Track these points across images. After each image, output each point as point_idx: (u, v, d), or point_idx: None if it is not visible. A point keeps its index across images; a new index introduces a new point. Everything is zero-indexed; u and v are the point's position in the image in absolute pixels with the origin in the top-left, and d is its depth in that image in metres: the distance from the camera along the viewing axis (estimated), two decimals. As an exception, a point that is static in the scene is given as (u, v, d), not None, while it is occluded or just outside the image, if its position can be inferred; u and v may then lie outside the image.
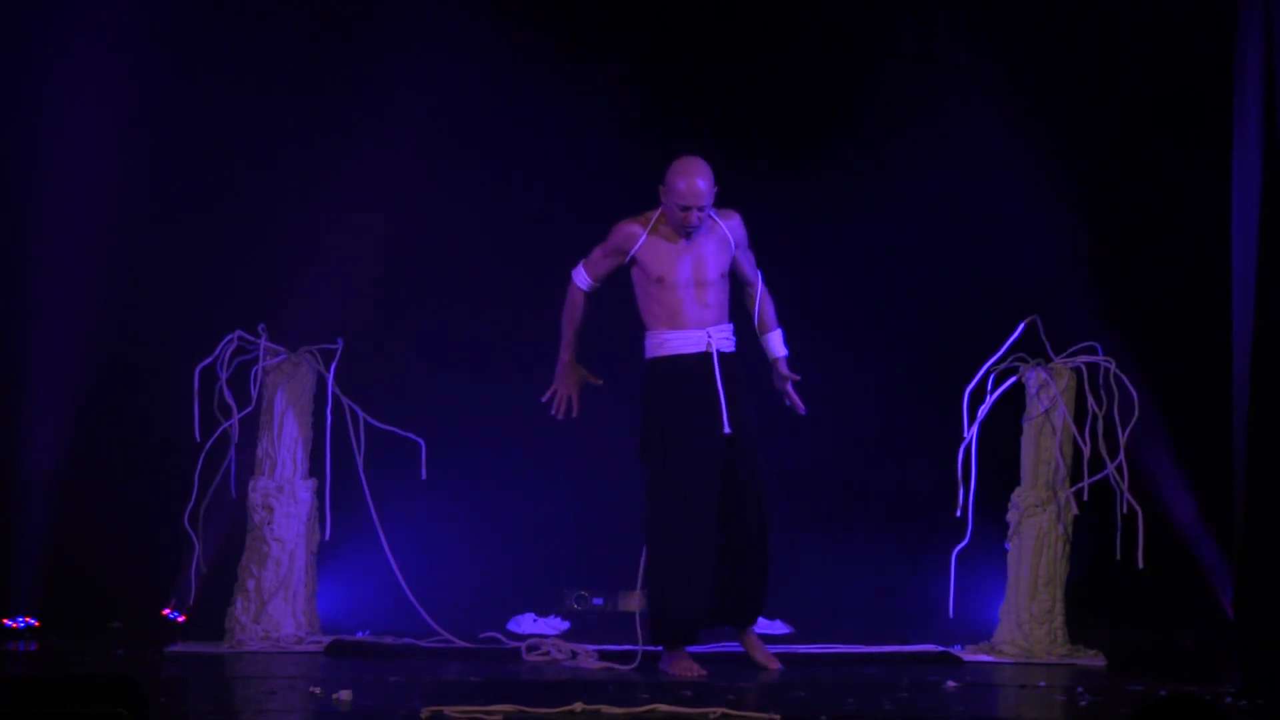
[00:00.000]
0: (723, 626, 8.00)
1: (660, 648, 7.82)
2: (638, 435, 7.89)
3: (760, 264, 8.02)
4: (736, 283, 7.98)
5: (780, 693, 7.20)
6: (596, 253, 7.91)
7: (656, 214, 7.80)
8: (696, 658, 7.82)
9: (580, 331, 8.05)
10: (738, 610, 7.92)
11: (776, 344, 8.07)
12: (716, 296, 7.83)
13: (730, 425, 7.73)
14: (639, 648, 7.94)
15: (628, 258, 7.82)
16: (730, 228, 7.84)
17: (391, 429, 8.64)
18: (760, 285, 8.02)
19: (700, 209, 7.69)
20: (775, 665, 7.90)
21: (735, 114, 9.69)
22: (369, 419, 8.60)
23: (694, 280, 7.77)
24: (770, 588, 7.95)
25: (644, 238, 7.75)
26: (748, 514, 7.82)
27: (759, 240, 8.98)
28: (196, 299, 9.35)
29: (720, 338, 7.81)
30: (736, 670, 7.87)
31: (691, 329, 7.77)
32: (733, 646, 8.14)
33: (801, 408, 8.04)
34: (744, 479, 7.81)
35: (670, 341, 7.80)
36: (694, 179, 7.68)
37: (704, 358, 7.76)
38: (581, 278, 7.96)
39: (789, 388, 8.01)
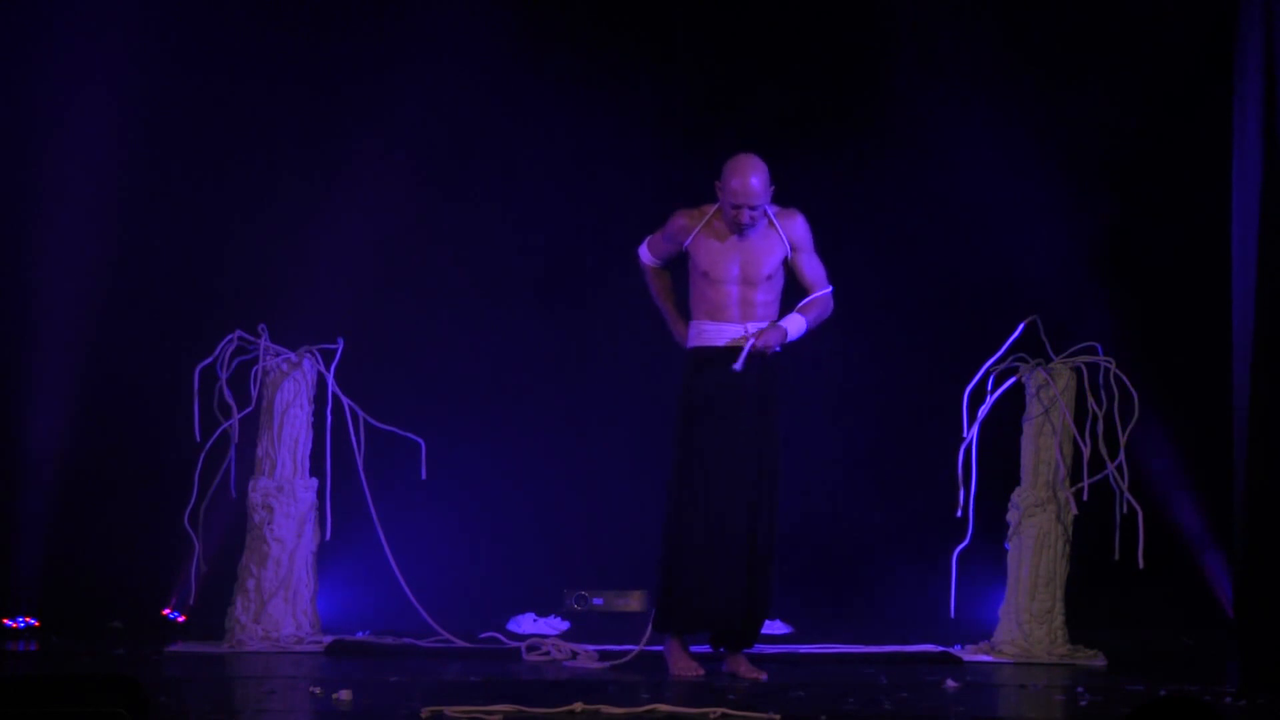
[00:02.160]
0: (717, 649, 7.90)
1: (662, 646, 7.82)
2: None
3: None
4: (793, 283, 7.82)
5: (780, 693, 7.20)
6: (656, 235, 7.88)
7: (713, 209, 7.74)
8: (695, 657, 7.81)
9: (674, 298, 7.95)
10: (732, 637, 7.82)
11: (792, 319, 7.74)
12: (765, 296, 7.72)
13: (758, 425, 7.66)
14: (635, 647, 7.94)
15: (682, 248, 7.78)
16: (788, 228, 7.74)
17: (391, 429, 8.64)
18: (821, 293, 7.82)
19: (752, 208, 7.61)
20: (758, 676, 7.76)
21: (738, 115, 9.68)
22: (369, 419, 8.60)
23: (742, 278, 7.69)
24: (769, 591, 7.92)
25: (695, 232, 7.71)
26: (756, 541, 7.69)
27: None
28: (197, 299, 9.35)
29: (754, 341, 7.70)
30: (736, 670, 7.87)
31: (731, 323, 7.69)
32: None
33: (740, 358, 7.65)
34: (758, 504, 7.69)
35: (707, 332, 7.72)
36: (747, 177, 7.61)
37: (735, 353, 7.65)
38: (645, 254, 7.92)
39: (755, 342, 7.64)
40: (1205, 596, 9.42)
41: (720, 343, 7.70)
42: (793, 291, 7.84)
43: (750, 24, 9.73)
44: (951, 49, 9.58)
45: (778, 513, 7.78)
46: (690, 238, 7.72)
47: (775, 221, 7.74)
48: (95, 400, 9.35)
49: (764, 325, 7.70)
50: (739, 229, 7.66)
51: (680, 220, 7.77)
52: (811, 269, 7.84)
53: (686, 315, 7.85)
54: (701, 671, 7.65)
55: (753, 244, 7.70)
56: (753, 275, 7.69)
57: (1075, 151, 9.59)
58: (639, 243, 7.94)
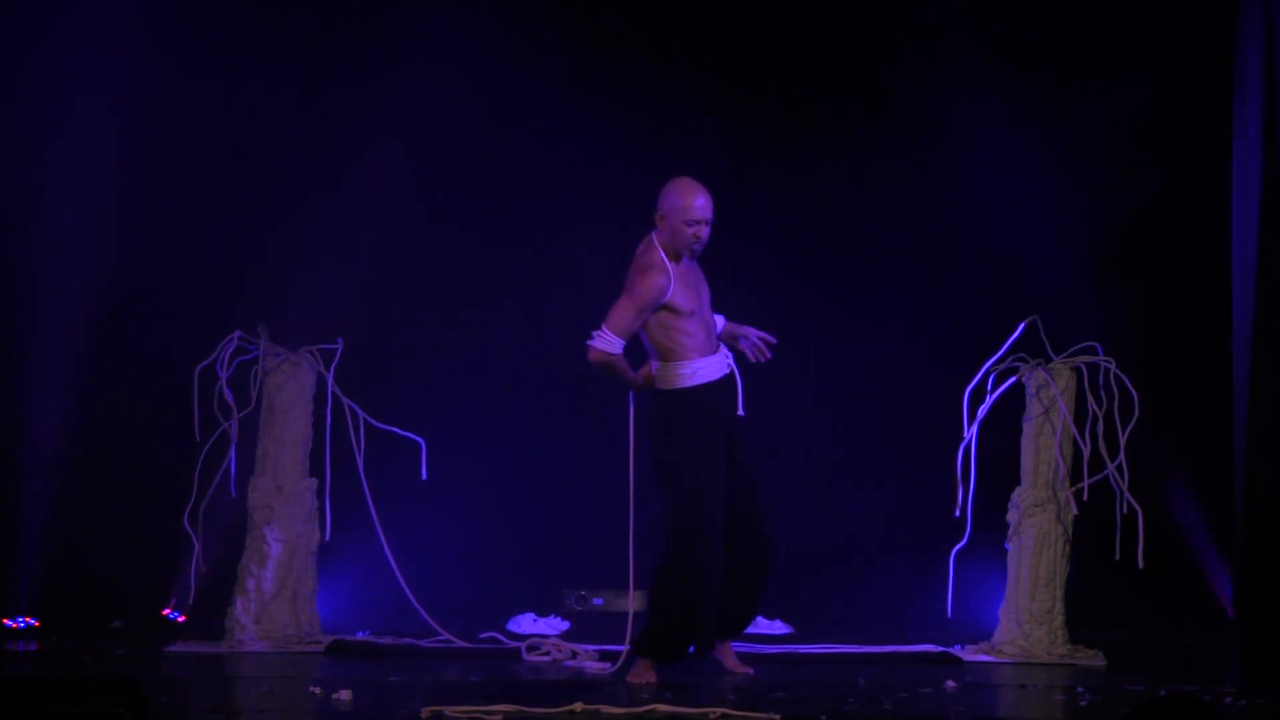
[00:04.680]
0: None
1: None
2: (658, 462, 7.62)
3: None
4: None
5: (780, 692, 7.20)
6: (627, 313, 7.49)
7: (658, 249, 7.57)
8: (691, 657, 7.80)
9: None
10: (726, 626, 7.82)
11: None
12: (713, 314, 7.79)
13: (736, 440, 7.65)
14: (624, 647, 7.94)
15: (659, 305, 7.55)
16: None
17: (391, 429, 8.64)
18: None
19: (709, 222, 7.54)
20: (744, 670, 7.79)
21: (738, 115, 9.68)
22: (369, 419, 8.60)
23: (709, 302, 7.68)
24: (770, 587, 7.93)
25: (673, 283, 7.52)
26: (760, 534, 7.69)
27: (761, 241, 9.00)
28: (196, 299, 9.35)
29: (732, 358, 7.72)
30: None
31: (717, 355, 7.63)
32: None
33: (770, 340, 7.82)
34: (758, 498, 7.68)
35: (702, 370, 7.59)
36: (701, 194, 7.52)
37: (729, 379, 7.65)
38: (615, 343, 7.51)
39: (753, 336, 7.81)
40: (1205, 596, 9.43)
41: (716, 377, 7.63)
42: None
43: (750, 24, 9.73)
44: (951, 50, 9.58)
45: (775, 517, 7.77)
46: (670, 291, 7.52)
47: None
48: (95, 400, 9.35)
49: (727, 351, 7.69)
50: (699, 248, 7.56)
51: (658, 280, 7.48)
52: None
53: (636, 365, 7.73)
54: (654, 679, 7.56)
55: (697, 268, 7.67)
56: (709, 296, 7.69)
57: (1075, 152, 9.59)
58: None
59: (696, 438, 7.56)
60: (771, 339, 7.86)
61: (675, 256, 7.57)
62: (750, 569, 7.71)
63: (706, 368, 7.61)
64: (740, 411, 7.67)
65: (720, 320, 7.85)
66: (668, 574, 7.55)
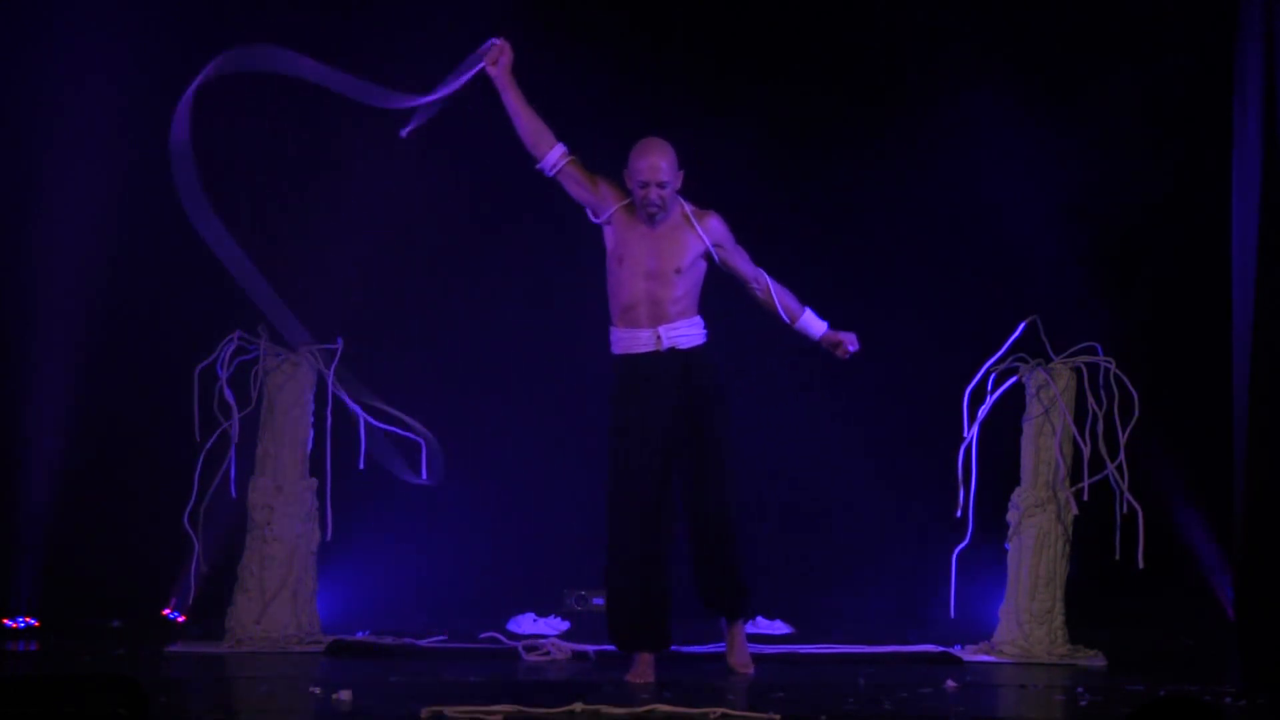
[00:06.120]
0: (717, 618, 7.91)
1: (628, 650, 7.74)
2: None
3: (760, 265, 7.95)
4: (715, 282, 7.78)
5: (780, 692, 7.20)
6: (584, 171, 7.71)
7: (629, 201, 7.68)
8: (691, 657, 7.80)
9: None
10: (721, 607, 7.82)
11: (814, 323, 7.93)
12: (676, 291, 7.60)
13: (692, 420, 7.59)
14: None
15: (597, 214, 7.67)
16: (707, 228, 7.65)
17: (392, 429, 8.63)
18: (766, 277, 7.83)
19: (660, 185, 7.51)
20: (746, 670, 7.81)
21: (738, 115, 9.68)
22: (369, 419, 8.60)
23: (653, 270, 7.58)
24: (771, 587, 7.93)
25: (614, 206, 7.60)
26: (712, 514, 7.63)
27: (762, 240, 8.93)
28: (197, 299, 9.35)
29: (676, 335, 7.62)
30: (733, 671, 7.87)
31: (642, 327, 7.60)
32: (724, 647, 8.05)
33: (854, 345, 7.98)
34: (710, 476, 7.61)
35: (622, 339, 7.65)
36: (653, 157, 7.54)
37: (655, 357, 7.61)
38: (551, 149, 7.76)
39: (847, 345, 7.96)
40: (1205, 596, 9.43)
41: (636, 349, 7.62)
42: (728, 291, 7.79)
43: (750, 24, 9.73)
44: (951, 50, 9.58)
45: (733, 494, 7.68)
46: (608, 212, 7.62)
47: (692, 219, 7.66)
48: (95, 400, 9.36)
49: (679, 324, 7.62)
50: (649, 210, 7.56)
51: (611, 189, 7.66)
52: (745, 263, 7.83)
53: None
54: (650, 679, 7.56)
55: (665, 235, 7.61)
56: (664, 266, 7.58)
57: (1075, 152, 9.59)
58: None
59: (619, 410, 7.63)
60: (849, 348, 8.00)
61: (639, 212, 7.62)
62: (712, 551, 7.65)
63: (627, 338, 7.63)
64: (663, 374, 7.59)
65: (809, 318, 7.91)
66: (607, 557, 7.61)
